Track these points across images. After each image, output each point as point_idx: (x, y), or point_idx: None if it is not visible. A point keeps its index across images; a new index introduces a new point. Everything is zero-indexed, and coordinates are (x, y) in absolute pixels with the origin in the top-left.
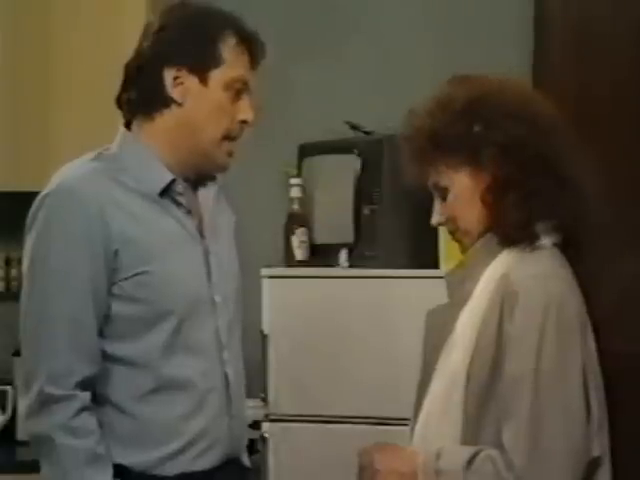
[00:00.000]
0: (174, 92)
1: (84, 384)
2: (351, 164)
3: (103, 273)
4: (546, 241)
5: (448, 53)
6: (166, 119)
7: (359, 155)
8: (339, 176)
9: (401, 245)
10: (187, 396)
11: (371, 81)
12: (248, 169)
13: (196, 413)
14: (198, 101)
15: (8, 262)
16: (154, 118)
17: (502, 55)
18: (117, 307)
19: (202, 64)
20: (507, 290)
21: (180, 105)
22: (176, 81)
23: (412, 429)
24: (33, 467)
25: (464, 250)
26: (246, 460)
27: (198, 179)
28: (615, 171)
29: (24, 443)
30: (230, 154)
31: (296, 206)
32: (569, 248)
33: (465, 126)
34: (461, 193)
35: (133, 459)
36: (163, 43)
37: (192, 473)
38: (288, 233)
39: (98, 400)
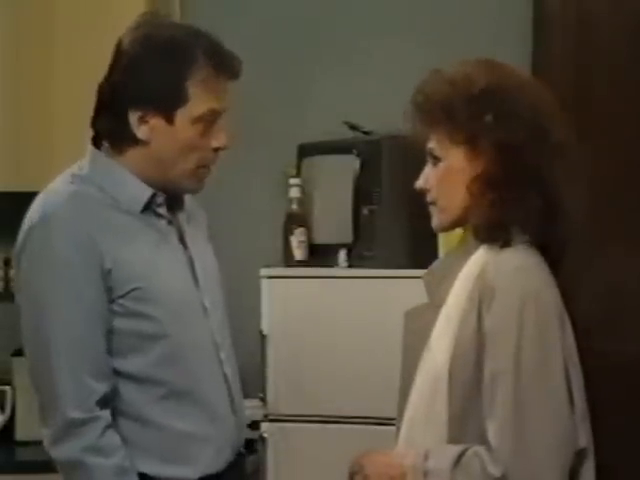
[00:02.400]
0: (139, 131)
1: (103, 402)
2: (350, 164)
3: (102, 292)
4: (520, 238)
5: (447, 53)
6: (134, 154)
7: (358, 155)
8: (338, 176)
9: (400, 245)
10: (198, 402)
11: (370, 81)
12: (247, 169)
13: (209, 416)
14: (165, 140)
15: (7, 262)
16: (122, 153)
17: (502, 55)
18: (117, 323)
19: (167, 104)
20: (484, 287)
21: (147, 144)
22: (141, 120)
23: (398, 429)
24: (32, 467)
25: (437, 228)
26: (242, 450)
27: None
28: (612, 170)
29: (23, 443)
30: (203, 179)
31: (295, 206)
32: (546, 252)
33: (478, 110)
34: (452, 170)
35: (153, 466)
36: (129, 84)
37: (210, 475)
38: (287, 233)
39: (115, 413)
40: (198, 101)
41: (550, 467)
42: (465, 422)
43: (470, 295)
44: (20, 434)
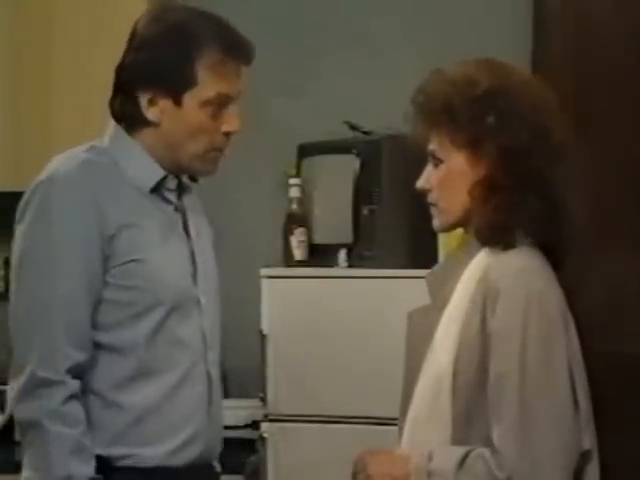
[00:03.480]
0: (149, 113)
1: (74, 371)
2: (350, 164)
3: (98, 259)
4: (523, 240)
5: (447, 53)
6: (147, 135)
7: (358, 155)
8: (338, 176)
9: (400, 245)
10: (168, 389)
11: (370, 81)
12: (248, 169)
13: (176, 407)
14: (174, 121)
15: (7, 262)
16: (136, 133)
17: (501, 55)
18: (108, 294)
19: (175, 86)
20: (488, 288)
21: (157, 125)
22: (151, 102)
23: (401, 429)
24: None
25: (438, 228)
26: (217, 465)
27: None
28: (612, 169)
29: None
30: (216, 161)
31: (295, 206)
32: (548, 253)
33: (479, 112)
34: (453, 173)
35: (110, 448)
36: (139, 64)
37: (169, 468)
38: (287, 233)
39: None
40: (206, 85)
41: (555, 470)
42: (469, 423)
43: (473, 297)
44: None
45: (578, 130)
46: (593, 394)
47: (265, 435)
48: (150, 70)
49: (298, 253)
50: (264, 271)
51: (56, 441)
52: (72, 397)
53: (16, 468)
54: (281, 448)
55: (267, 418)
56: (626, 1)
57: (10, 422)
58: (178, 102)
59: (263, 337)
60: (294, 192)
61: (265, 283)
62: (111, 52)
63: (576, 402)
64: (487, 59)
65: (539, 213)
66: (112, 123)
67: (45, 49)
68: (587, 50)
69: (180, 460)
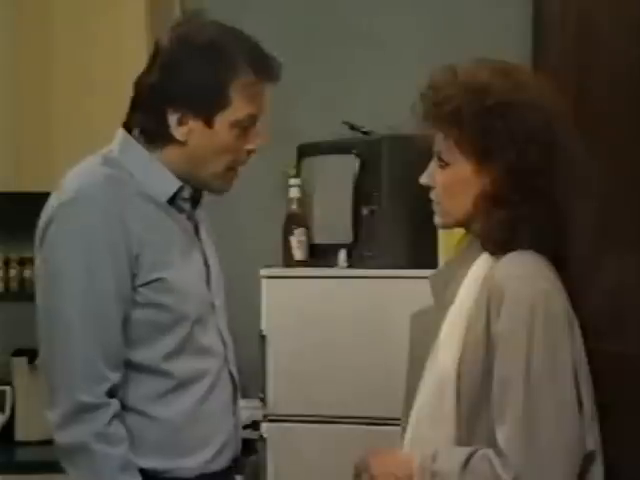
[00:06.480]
0: (177, 132)
1: (112, 392)
2: (350, 164)
3: (128, 278)
4: (527, 246)
5: (448, 53)
6: (170, 151)
7: (358, 155)
8: (338, 176)
9: (400, 245)
10: (199, 389)
11: (370, 81)
12: (247, 169)
13: (207, 406)
14: (202, 141)
15: (8, 262)
16: (157, 148)
17: (502, 55)
18: (135, 312)
19: (208, 108)
20: (492, 290)
21: (183, 144)
22: (180, 122)
23: (403, 429)
24: (32, 467)
25: (439, 225)
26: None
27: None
28: (612, 170)
29: (23, 443)
30: (232, 180)
31: (295, 206)
32: (553, 257)
33: (489, 124)
34: (459, 179)
35: (150, 461)
36: (170, 85)
37: (209, 474)
38: (287, 233)
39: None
40: (238, 106)
41: (560, 471)
42: (473, 423)
43: (477, 298)
44: (20, 434)
45: (578, 130)
46: (595, 395)
47: (265, 435)
48: (182, 91)
49: (298, 253)
50: (264, 271)
51: (105, 461)
52: (115, 417)
53: (15, 468)
54: (281, 448)
55: (267, 418)
56: (626, 1)
57: (10, 422)
58: (209, 123)
59: (263, 337)
60: (294, 192)
61: (265, 283)
62: (111, 54)
63: (580, 403)
64: (502, 63)
65: (544, 227)
66: (120, 132)
67: (45, 49)
68: (587, 50)
69: (218, 465)
